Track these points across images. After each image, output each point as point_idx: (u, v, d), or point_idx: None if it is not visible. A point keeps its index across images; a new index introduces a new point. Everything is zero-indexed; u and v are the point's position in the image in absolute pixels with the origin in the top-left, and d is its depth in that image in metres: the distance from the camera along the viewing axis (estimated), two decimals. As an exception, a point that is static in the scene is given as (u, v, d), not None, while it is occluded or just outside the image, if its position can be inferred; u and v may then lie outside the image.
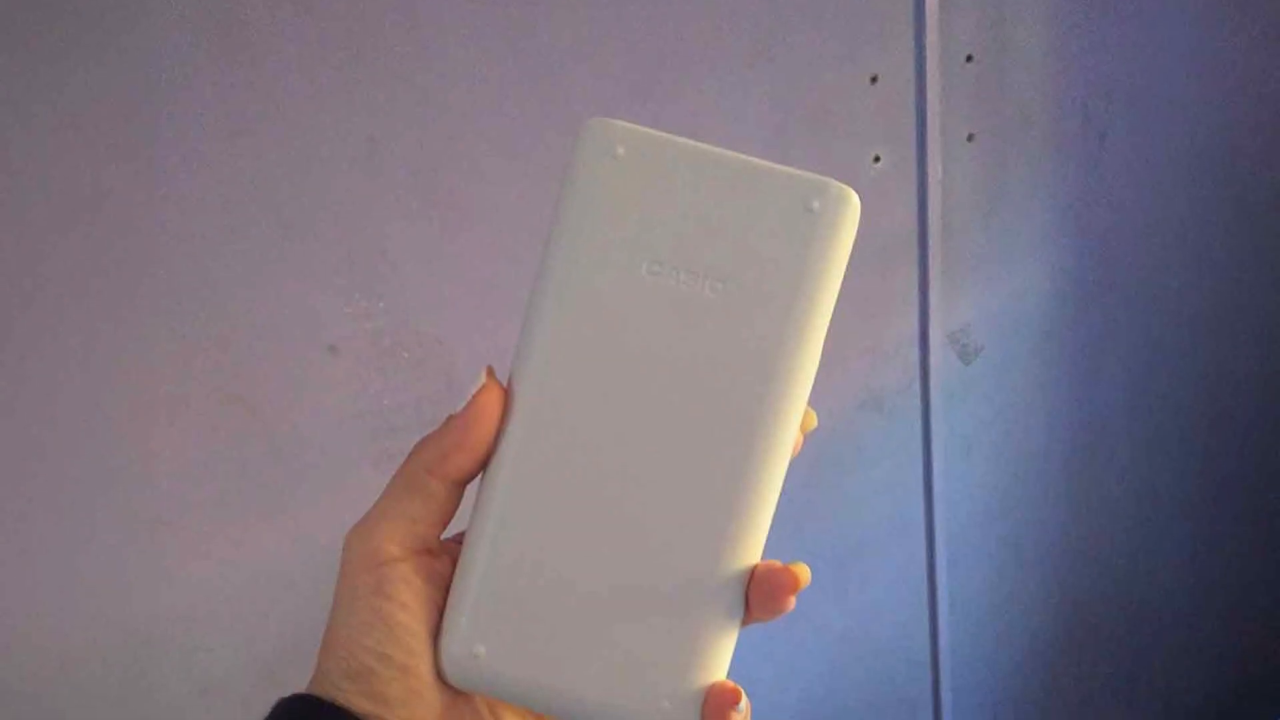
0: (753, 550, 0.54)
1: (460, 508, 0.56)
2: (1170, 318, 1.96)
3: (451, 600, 0.55)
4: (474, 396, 0.55)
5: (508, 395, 0.55)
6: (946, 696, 1.97)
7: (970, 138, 1.66)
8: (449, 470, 0.54)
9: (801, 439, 0.56)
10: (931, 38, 1.57)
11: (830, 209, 0.54)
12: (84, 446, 1.19)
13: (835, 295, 0.55)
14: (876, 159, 1.59)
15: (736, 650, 0.55)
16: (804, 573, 0.54)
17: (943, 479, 1.81)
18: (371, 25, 1.23)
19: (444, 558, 0.56)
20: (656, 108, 1.41)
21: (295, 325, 1.26)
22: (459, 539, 0.56)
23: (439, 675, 0.54)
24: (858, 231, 0.55)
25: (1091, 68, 1.74)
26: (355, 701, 0.52)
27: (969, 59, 1.62)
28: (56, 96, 1.11)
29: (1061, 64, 1.71)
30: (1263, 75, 1.91)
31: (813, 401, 0.55)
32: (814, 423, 0.56)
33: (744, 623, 0.55)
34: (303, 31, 1.20)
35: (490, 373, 0.56)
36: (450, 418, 0.55)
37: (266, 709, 0.54)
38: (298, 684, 0.55)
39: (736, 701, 0.53)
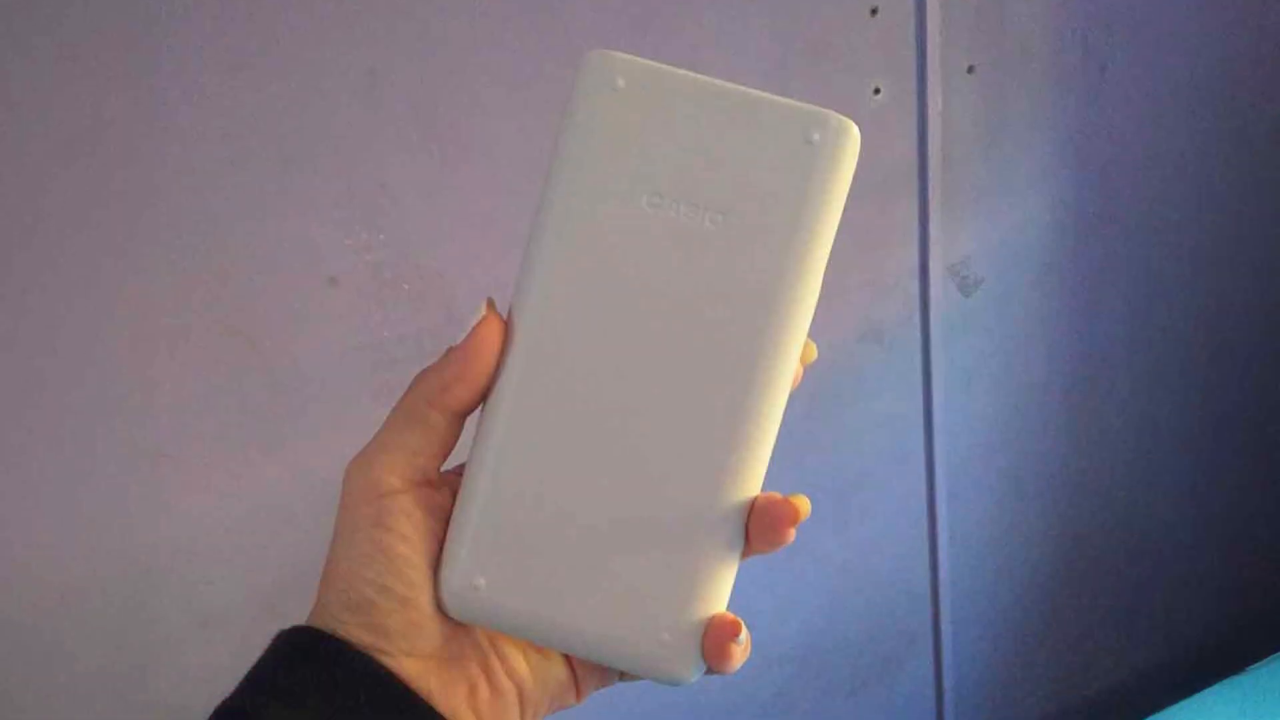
0: (753, 482, 0.54)
1: (460, 440, 0.56)
2: (1170, 250, 1.95)
3: (451, 532, 0.55)
4: (474, 328, 0.55)
5: (508, 327, 0.55)
6: (946, 628, 1.97)
7: (970, 70, 1.65)
8: (449, 402, 0.54)
9: (801, 371, 0.56)
10: (932, -31, 1.57)
11: (830, 141, 0.54)
12: (84, 378, 1.19)
13: (835, 227, 0.54)
14: (876, 91, 1.58)
15: (736, 582, 0.55)
16: (804, 505, 0.54)
17: (943, 411, 1.81)
18: (370, -44, 1.23)
19: (444, 490, 0.56)
20: (657, 40, 1.40)
21: (295, 258, 1.26)
22: (459, 471, 0.56)
23: (439, 607, 0.54)
24: (858, 164, 0.55)
25: (1092, -1, 1.73)
26: (355, 634, 0.53)
27: (970, -10, 1.62)
28: (56, 28, 1.10)
29: (1064, -5, 1.70)
30: (1263, 7, 1.90)
31: (813, 334, 0.55)
32: (814, 355, 0.56)
33: (744, 555, 0.55)
34: (301, -38, 1.19)
35: (490, 305, 0.56)
36: (450, 349, 0.55)
37: (266, 641, 0.55)
38: (298, 616, 0.55)
39: (736, 633, 0.54)
